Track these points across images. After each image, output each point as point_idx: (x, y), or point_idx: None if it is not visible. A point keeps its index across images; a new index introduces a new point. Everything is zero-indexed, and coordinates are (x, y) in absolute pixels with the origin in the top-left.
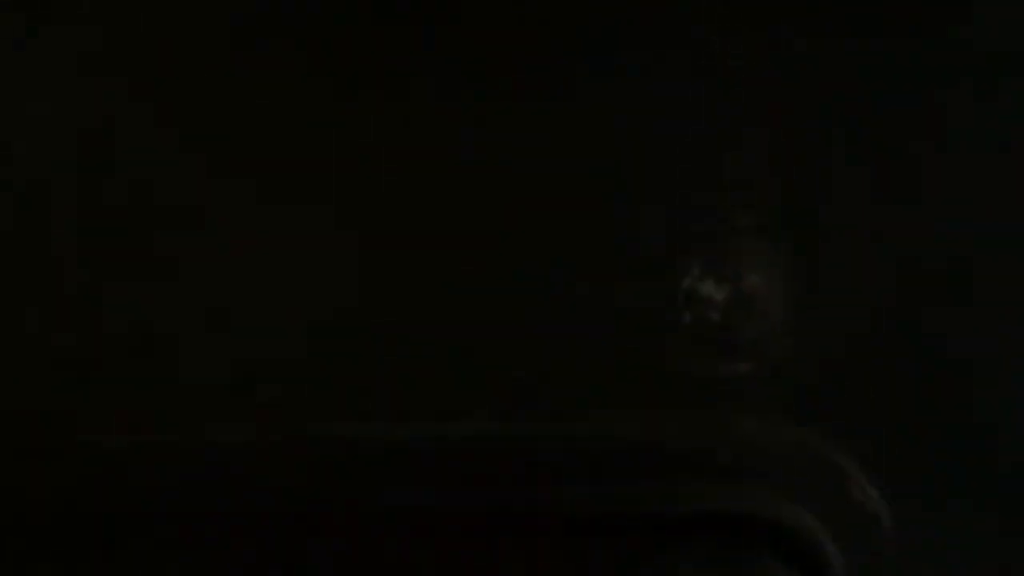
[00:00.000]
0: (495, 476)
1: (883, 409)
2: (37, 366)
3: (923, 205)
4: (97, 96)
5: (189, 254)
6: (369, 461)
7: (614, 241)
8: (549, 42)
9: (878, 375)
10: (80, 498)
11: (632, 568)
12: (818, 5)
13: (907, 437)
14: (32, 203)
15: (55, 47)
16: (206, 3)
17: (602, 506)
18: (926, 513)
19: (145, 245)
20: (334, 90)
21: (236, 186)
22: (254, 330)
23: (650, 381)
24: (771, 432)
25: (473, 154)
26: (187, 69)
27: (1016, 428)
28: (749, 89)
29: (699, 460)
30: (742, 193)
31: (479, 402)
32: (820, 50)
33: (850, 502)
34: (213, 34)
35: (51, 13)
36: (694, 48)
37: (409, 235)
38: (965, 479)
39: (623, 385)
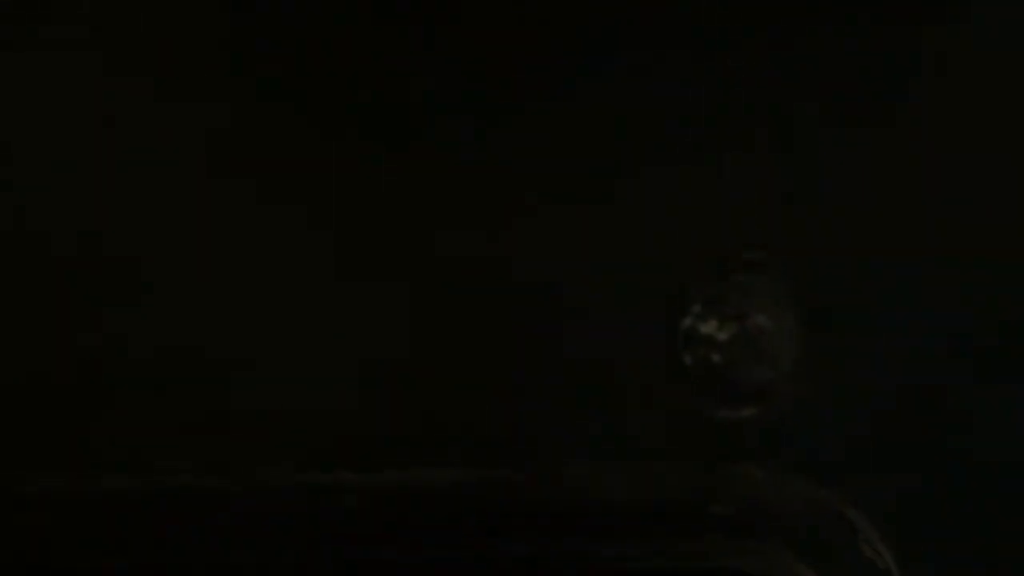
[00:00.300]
0: (484, 528)
1: (896, 460)
2: None
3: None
4: (97, 96)
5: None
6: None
7: (610, 276)
8: (549, 42)
9: (891, 424)
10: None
11: None
12: (818, 5)
13: (921, 491)
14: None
15: (55, 47)
16: (206, 3)
17: (597, 563)
18: (939, 571)
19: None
20: (334, 90)
21: (234, 187)
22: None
23: (647, 428)
24: (777, 483)
25: (473, 154)
26: (187, 69)
27: None
28: (749, 89)
29: (700, 513)
30: (747, 224)
31: (467, 450)
32: (820, 50)
33: (860, 559)
34: (213, 34)
35: (51, 13)
36: (694, 48)
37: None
38: (979, 535)
39: (618, 432)
